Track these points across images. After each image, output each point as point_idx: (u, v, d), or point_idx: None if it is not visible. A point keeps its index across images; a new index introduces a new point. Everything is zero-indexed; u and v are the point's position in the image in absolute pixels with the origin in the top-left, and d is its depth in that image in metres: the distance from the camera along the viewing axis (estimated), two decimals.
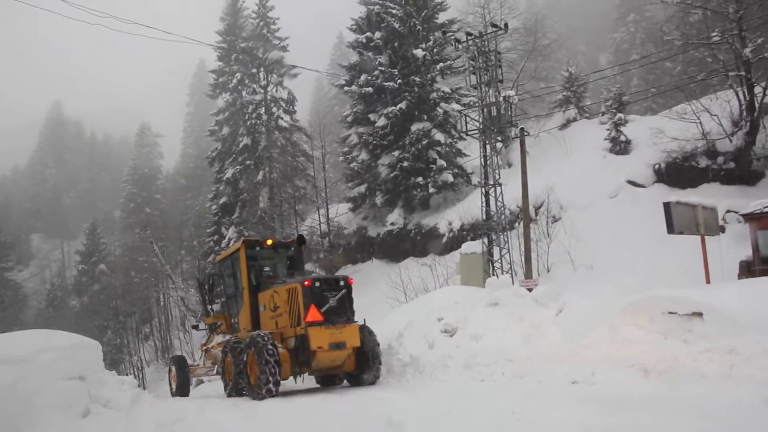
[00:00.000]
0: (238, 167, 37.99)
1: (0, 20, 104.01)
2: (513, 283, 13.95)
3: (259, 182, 36.89)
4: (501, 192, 22.67)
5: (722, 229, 18.16)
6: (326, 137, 39.26)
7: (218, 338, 13.36)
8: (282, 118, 38.12)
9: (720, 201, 18.33)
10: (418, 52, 31.41)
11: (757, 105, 22.50)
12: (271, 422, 7.80)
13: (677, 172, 23.93)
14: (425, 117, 31.40)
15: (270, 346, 9.96)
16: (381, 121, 31.52)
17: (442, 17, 33.84)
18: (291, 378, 11.14)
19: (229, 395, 11.35)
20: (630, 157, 26.79)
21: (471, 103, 29.07)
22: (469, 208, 27.68)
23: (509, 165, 31.06)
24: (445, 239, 28.95)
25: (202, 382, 16.04)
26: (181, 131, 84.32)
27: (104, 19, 14.05)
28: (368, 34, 32.87)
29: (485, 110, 23.41)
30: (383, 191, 32.28)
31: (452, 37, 26.25)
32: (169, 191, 71.06)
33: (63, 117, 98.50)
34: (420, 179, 31.05)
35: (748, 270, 14.96)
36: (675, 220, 13.30)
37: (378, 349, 11.01)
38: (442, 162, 31.06)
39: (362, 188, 32.98)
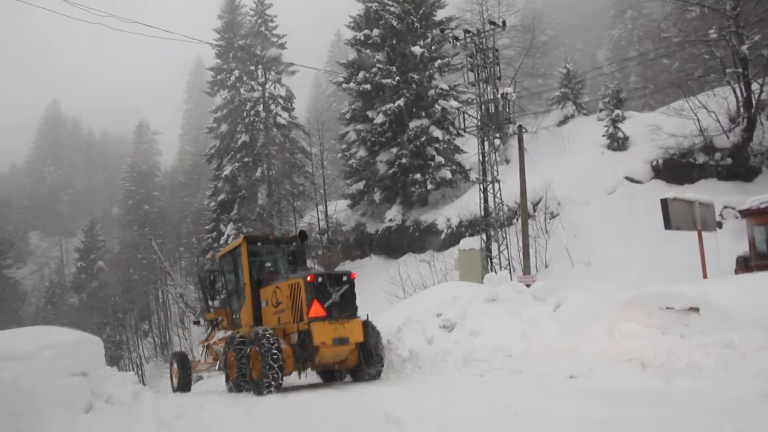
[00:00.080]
0: (236, 164, 37.94)
1: None
2: (511, 279, 14.01)
3: (258, 179, 36.87)
4: (499, 188, 22.76)
5: (719, 225, 18.25)
6: (324, 134, 39.32)
7: (220, 334, 13.34)
8: (280, 116, 38.06)
9: (717, 197, 18.45)
10: (416, 50, 31.38)
11: (754, 101, 22.60)
12: (271, 418, 7.84)
13: (675, 168, 24.05)
14: (423, 114, 31.43)
15: (273, 342, 9.98)
16: (379, 118, 31.52)
17: (440, 14, 33.81)
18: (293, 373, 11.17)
19: (230, 390, 11.42)
20: (627, 154, 26.86)
21: (469, 100, 29.10)
22: (467, 204, 27.75)
23: (507, 161, 31.13)
24: (443, 235, 28.98)
25: (201, 377, 16.08)
26: (179, 128, 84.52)
27: (104, 18, 14.10)
28: (366, 31, 32.84)
29: (483, 107, 23.50)
30: (382, 188, 32.32)
31: (450, 35, 26.29)
32: (168, 188, 70.95)
33: (61, 115, 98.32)
34: (418, 176, 31.10)
35: (745, 265, 15.09)
36: (672, 216, 13.40)
37: (381, 344, 10.98)
38: (440, 159, 31.09)
39: (361, 185, 33.01)
